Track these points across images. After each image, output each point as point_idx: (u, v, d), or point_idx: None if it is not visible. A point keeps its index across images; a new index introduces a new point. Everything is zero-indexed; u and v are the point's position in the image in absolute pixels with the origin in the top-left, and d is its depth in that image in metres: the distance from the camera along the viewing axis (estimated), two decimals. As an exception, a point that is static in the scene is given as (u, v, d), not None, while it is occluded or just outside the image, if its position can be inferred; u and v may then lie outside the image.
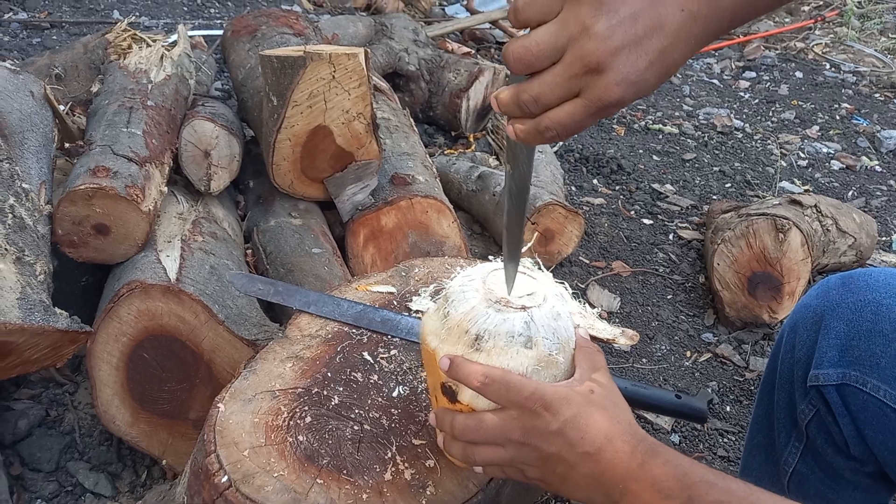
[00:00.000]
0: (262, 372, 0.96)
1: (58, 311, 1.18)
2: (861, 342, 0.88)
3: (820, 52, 4.03)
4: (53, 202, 1.33)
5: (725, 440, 1.55)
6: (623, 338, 1.14)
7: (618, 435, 0.67)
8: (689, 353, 1.79)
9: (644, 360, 1.75)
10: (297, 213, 1.72)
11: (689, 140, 2.93)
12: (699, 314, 1.93)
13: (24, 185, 1.28)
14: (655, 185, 2.52)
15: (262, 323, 1.35)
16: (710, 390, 1.63)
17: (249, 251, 1.65)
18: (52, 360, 1.25)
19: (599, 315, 1.88)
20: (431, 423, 0.81)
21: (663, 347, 1.80)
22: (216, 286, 1.32)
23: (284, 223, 1.68)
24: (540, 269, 1.13)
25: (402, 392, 0.97)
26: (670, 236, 2.26)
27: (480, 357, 0.74)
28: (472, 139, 2.55)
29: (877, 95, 3.61)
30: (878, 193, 2.65)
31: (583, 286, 1.96)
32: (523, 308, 0.76)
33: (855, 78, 3.80)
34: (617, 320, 1.85)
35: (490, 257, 1.84)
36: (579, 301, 1.23)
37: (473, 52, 3.12)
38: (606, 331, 1.14)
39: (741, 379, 1.72)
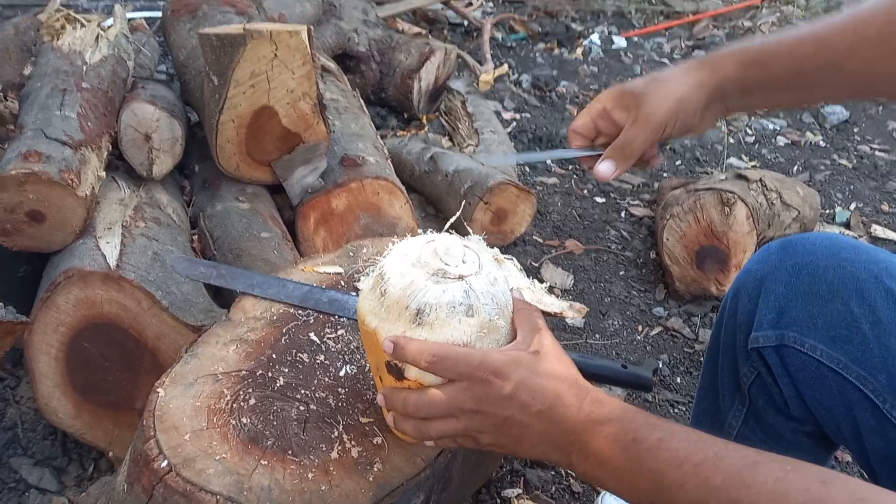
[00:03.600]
0: (205, 356, 0.94)
1: (-10, 302, 1.14)
2: (799, 304, 0.90)
3: (767, 31, 4.11)
4: (-17, 189, 1.28)
5: (676, 410, 1.58)
6: (571, 311, 1.15)
7: (565, 390, 0.69)
8: (640, 328, 1.82)
9: (597, 335, 1.77)
10: (244, 196, 1.68)
11: (640, 119, 2.96)
12: (650, 289, 1.96)
13: (-51, 171, 1.22)
14: (607, 164, 2.54)
15: (208, 308, 1.32)
16: (656, 360, 1.65)
17: (196, 237, 1.61)
18: (-12, 352, 1.20)
19: (549, 290, 1.90)
20: (380, 403, 0.80)
21: (616, 323, 1.82)
22: (159, 272, 1.29)
23: (231, 207, 1.65)
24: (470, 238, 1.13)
25: (349, 371, 0.96)
26: (622, 214, 2.28)
27: (423, 331, 0.73)
28: (424, 120, 2.54)
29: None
30: (821, 168, 2.72)
31: (536, 265, 1.97)
32: (461, 277, 0.75)
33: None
34: (570, 297, 1.87)
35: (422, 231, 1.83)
36: (527, 277, 1.23)
37: (425, 32, 3.09)
38: (554, 304, 1.14)
39: (691, 350, 1.76)
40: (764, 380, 0.95)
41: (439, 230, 2.01)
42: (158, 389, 0.87)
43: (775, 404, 0.96)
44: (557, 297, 1.87)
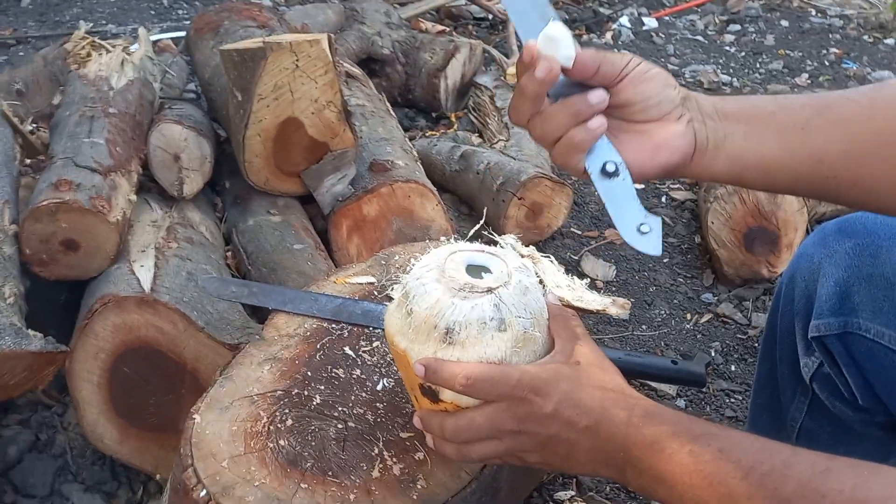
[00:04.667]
0: (239, 377, 0.92)
1: (31, 332, 1.15)
2: (862, 288, 0.84)
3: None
4: (19, 221, 1.29)
5: (732, 400, 1.51)
6: (614, 307, 1.10)
7: (612, 402, 0.65)
8: (689, 316, 1.75)
9: (644, 326, 1.71)
10: (275, 209, 1.67)
11: (675, 99, 2.87)
12: (697, 275, 1.88)
13: (-16, 206, 1.24)
14: (644, 149, 2.47)
15: (245, 325, 1.31)
16: (707, 354, 1.59)
17: (230, 253, 1.61)
18: (33, 382, 1.21)
19: (592, 286, 1.84)
20: (417, 425, 0.77)
21: (663, 312, 1.76)
22: (194, 293, 1.28)
23: (263, 221, 1.64)
24: (502, 245, 1.09)
25: (386, 385, 0.94)
26: (663, 199, 2.21)
27: (455, 351, 0.70)
28: (453, 118, 2.50)
29: (865, 37, 3.53)
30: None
31: (576, 258, 1.91)
32: (489, 290, 0.71)
33: (842, 22, 3.72)
34: (613, 289, 1.81)
35: (445, 238, 1.79)
36: (566, 274, 1.18)
37: (449, 29, 3.06)
38: (596, 301, 1.10)
39: (744, 337, 1.68)
40: (828, 370, 0.89)
41: (472, 229, 1.95)
42: (195, 416, 0.86)
43: (842, 395, 0.89)
44: (600, 290, 1.81)
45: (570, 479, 1.35)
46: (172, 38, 2.76)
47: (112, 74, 1.66)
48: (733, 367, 1.60)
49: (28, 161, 1.56)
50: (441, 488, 0.81)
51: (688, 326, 1.72)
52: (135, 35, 2.79)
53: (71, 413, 1.39)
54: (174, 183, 1.57)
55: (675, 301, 1.79)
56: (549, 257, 1.22)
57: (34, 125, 1.71)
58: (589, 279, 1.83)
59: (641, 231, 0.72)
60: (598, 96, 0.67)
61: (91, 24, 3.05)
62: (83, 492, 1.28)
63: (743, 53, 3.35)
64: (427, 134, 2.40)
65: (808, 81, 3.06)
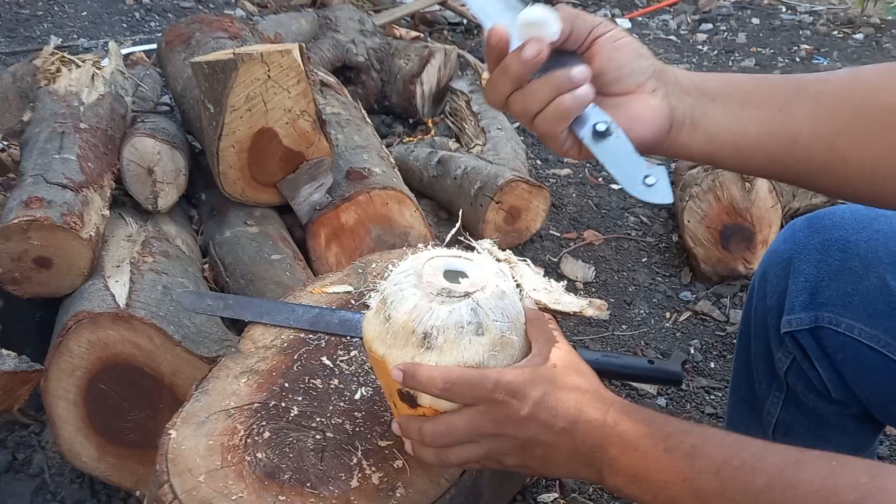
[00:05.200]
0: (215, 391, 0.92)
1: (4, 352, 1.14)
2: (831, 282, 0.85)
3: (771, -4, 4.00)
4: (-10, 240, 1.27)
5: (712, 397, 1.53)
6: (591, 308, 1.11)
7: (587, 403, 0.65)
8: (668, 314, 1.76)
9: (624, 326, 1.72)
10: (252, 220, 1.66)
11: (650, 99, 2.89)
12: (675, 274, 1.90)
13: (-47, 226, 1.22)
14: (620, 149, 2.48)
15: (223, 338, 1.30)
16: (686, 352, 1.60)
17: (207, 266, 1.60)
18: (9, 402, 1.20)
19: (573, 287, 1.85)
20: (395, 431, 0.77)
21: (642, 311, 1.77)
22: (170, 307, 1.27)
23: (240, 233, 1.63)
24: (479, 250, 1.09)
25: (364, 393, 0.94)
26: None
27: (432, 356, 0.70)
28: (430, 124, 2.50)
29: (835, 33, 3.59)
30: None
31: (556, 259, 1.92)
32: (466, 294, 0.72)
33: (812, 18, 3.78)
34: (593, 290, 1.82)
35: (423, 245, 1.79)
36: (544, 276, 1.19)
37: (423, 35, 3.06)
38: (573, 303, 1.10)
39: (723, 333, 1.70)
40: (801, 364, 0.90)
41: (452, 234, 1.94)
42: (170, 431, 0.85)
43: (815, 388, 0.91)
44: (579, 292, 1.82)
45: (553, 481, 1.35)
46: (145, 51, 2.74)
47: (82, 89, 1.65)
48: (712, 364, 1.62)
49: (-1, 179, 1.54)
50: (421, 496, 0.81)
51: (667, 325, 1.73)
52: (107, 49, 2.77)
53: (48, 432, 1.37)
54: (148, 197, 1.56)
55: (655, 300, 1.81)
56: (525, 261, 1.22)
57: (4, 143, 1.68)
58: (568, 281, 1.84)
59: (647, 183, 0.69)
60: (580, 71, 0.65)
61: (62, 39, 3.02)
62: (62, 512, 1.26)
63: (716, 52, 3.39)
64: (404, 140, 2.41)
65: (780, 78, 3.10)
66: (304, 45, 1.53)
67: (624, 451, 0.62)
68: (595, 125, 0.68)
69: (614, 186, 2.28)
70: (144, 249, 1.42)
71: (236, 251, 1.58)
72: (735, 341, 1.66)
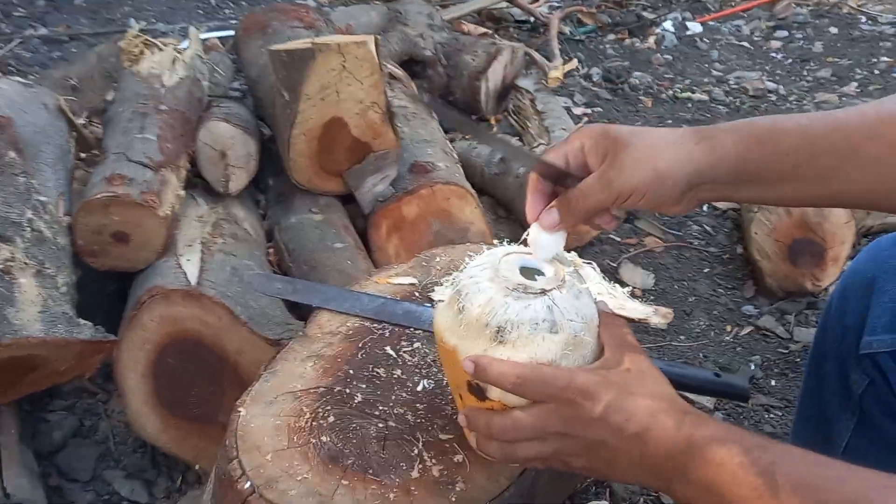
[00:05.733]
0: (283, 373, 0.94)
1: (81, 322, 1.18)
2: None
3: (855, 5, 3.85)
4: (73, 213, 1.33)
5: (771, 416, 1.49)
6: (656, 316, 1.10)
7: (661, 411, 0.64)
8: (729, 328, 1.72)
9: (682, 336, 1.69)
10: (317, 208, 1.69)
11: (719, 107, 2.83)
12: (738, 286, 1.85)
13: (41, 197, 1.28)
14: (686, 156, 2.44)
15: (286, 321, 1.33)
16: (751, 366, 1.56)
17: (272, 250, 1.63)
18: (81, 370, 1.25)
19: (631, 294, 1.82)
20: (461, 423, 0.77)
21: (702, 323, 1.73)
22: (238, 288, 1.31)
23: (305, 219, 1.66)
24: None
25: (426, 386, 0.94)
26: (705, 207, 2.17)
27: (505, 350, 0.70)
28: (493, 121, 2.50)
29: (918, 46, 3.43)
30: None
31: (614, 264, 1.90)
32: (543, 292, 0.72)
33: (894, 29, 3.62)
34: (652, 297, 1.79)
35: (499, 240, 1.78)
36: (608, 281, 1.18)
37: (490, 32, 3.06)
38: (638, 310, 1.09)
39: (786, 351, 1.65)
40: (879, 388, 0.87)
41: (512, 232, 1.96)
42: (240, 409, 0.88)
43: (892, 414, 0.87)
44: (638, 299, 1.80)
45: (604, 488, 1.34)
46: (220, 37, 2.81)
47: (164, 72, 1.70)
48: (773, 382, 1.58)
49: (83, 155, 1.61)
50: (480, 491, 0.81)
51: (727, 338, 1.69)
52: (183, 34, 2.85)
53: (114, 401, 1.43)
54: (220, 179, 1.60)
55: (715, 312, 1.77)
56: (591, 264, 1.21)
57: (88, 120, 1.75)
58: (629, 289, 1.82)
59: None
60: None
61: (142, 23, 3.13)
62: (124, 478, 1.31)
63: (790, 60, 3.29)
64: (466, 136, 2.41)
65: (858, 90, 2.99)
66: (378, 37, 1.54)
67: (698, 461, 0.61)
68: None
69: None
70: (215, 230, 1.46)
71: (301, 237, 1.62)
72: (799, 360, 1.62)
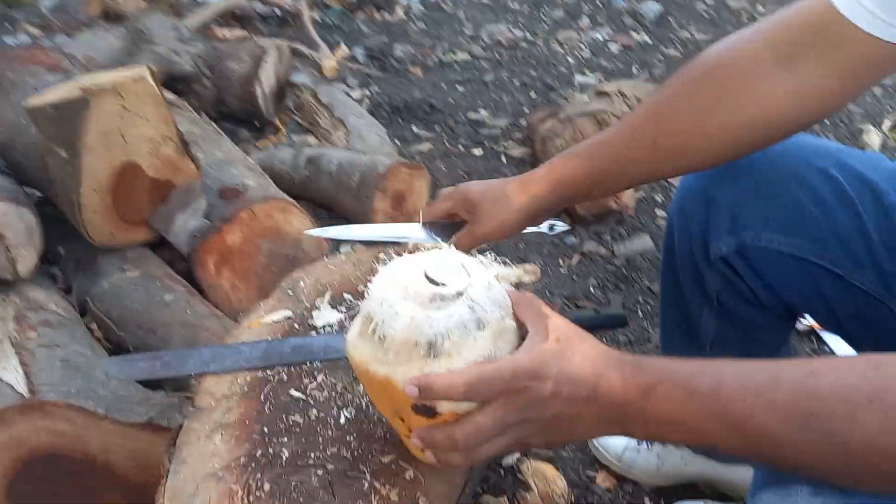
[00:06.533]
0: (192, 457, 0.84)
1: None
2: (748, 206, 0.95)
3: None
4: None
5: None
6: (527, 276, 1.15)
7: (602, 366, 0.67)
8: (561, 261, 1.86)
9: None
10: (128, 264, 1.53)
11: (482, 62, 2.98)
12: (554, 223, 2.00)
13: None
14: (470, 114, 2.55)
15: (145, 398, 1.19)
16: (618, 296, 1.71)
17: (95, 324, 1.44)
18: None
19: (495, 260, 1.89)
20: (415, 446, 0.75)
21: (539, 263, 1.86)
22: (78, 381, 1.14)
23: (120, 280, 1.49)
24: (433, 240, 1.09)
25: (348, 415, 0.91)
26: (503, 159, 2.30)
27: (441, 362, 0.69)
28: (279, 124, 2.41)
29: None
30: (656, 63, 2.88)
31: (444, 234, 1.95)
32: (459, 294, 0.72)
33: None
34: (488, 254, 1.87)
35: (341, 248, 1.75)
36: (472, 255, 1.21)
37: (246, 34, 2.91)
38: (511, 274, 1.13)
39: (613, 267, 1.83)
40: (732, 282, 1.00)
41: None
42: (161, 514, 0.78)
43: (746, 300, 1.01)
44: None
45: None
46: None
47: None
48: (612, 296, 1.74)
49: None
50: (443, 499, 0.81)
51: (563, 271, 1.83)
52: None
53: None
54: (5, 265, 1.37)
55: (545, 251, 1.90)
56: (446, 245, 1.23)
57: None
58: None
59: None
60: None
61: None
62: None
63: (526, 7, 3.55)
64: (257, 145, 2.30)
65: (590, 24, 3.32)
66: (151, 66, 1.40)
67: (650, 403, 0.65)
68: None
69: (476, 152, 2.34)
70: (22, 325, 1.25)
71: (122, 302, 1.45)
72: (626, 272, 1.80)
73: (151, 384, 1.27)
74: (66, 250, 1.59)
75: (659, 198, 2.08)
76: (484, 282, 0.74)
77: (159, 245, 1.61)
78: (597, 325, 1.13)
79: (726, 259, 0.97)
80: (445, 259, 0.77)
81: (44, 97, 1.32)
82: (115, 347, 1.43)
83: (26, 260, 1.40)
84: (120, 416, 1.11)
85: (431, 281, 0.74)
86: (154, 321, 1.40)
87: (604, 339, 1.59)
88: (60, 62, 1.67)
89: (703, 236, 0.99)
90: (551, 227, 1.05)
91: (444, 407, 0.71)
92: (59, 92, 1.31)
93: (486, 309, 0.72)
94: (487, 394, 0.68)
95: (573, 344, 0.70)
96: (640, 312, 1.67)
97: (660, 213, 2.02)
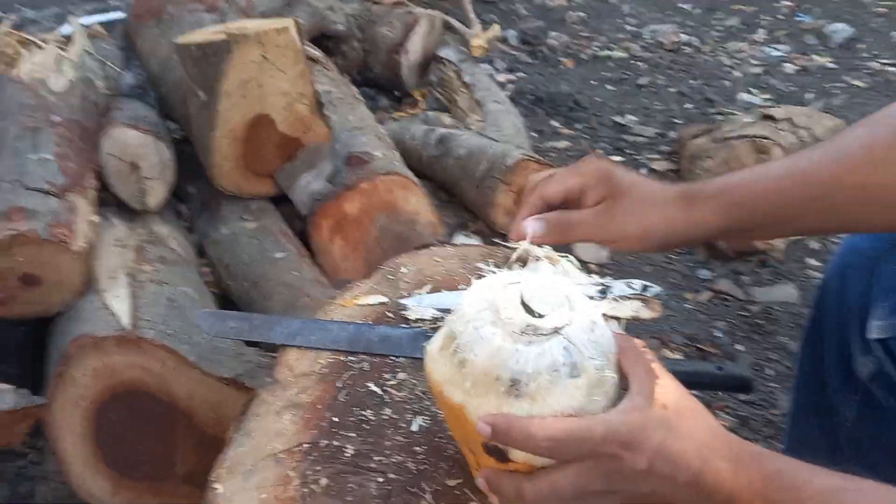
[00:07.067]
0: (258, 432, 0.82)
1: (2, 386, 1.01)
2: None
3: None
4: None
5: (743, 382, 1.49)
6: (646, 310, 1.03)
7: (712, 453, 0.58)
8: (688, 295, 1.71)
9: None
10: (249, 215, 1.55)
11: (639, 63, 2.81)
12: (689, 251, 1.85)
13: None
14: (616, 118, 2.41)
15: (238, 353, 1.19)
16: (746, 356, 1.55)
17: (206, 268, 1.48)
18: (6, 439, 1.08)
19: (584, 270, 1.78)
20: (480, 486, 0.68)
21: (662, 292, 1.71)
22: (179, 322, 1.16)
23: (238, 229, 1.51)
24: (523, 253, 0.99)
25: (422, 424, 0.85)
26: (643, 171, 2.15)
27: (523, 404, 0.61)
28: (419, 97, 2.38)
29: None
30: (835, 91, 2.59)
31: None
32: (556, 331, 0.63)
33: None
34: (609, 272, 1.75)
35: (462, 234, 1.68)
36: (588, 274, 1.11)
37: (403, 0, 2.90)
38: (628, 308, 1.02)
39: (747, 314, 1.66)
40: (886, 370, 0.85)
41: (455, 216, 1.83)
42: (215, 484, 0.75)
43: (898, 393, 0.86)
44: (592, 274, 1.76)
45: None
46: (101, 23, 2.52)
47: (49, 75, 1.48)
48: (739, 347, 1.58)
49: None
50: (503, 543, 0.73)
51: (688, 306, 1.68)
52: (57, 22, 2.54)
53: (50, 460, 1.25)
54: (135, 195, 1.42)
55: (672, 280, 1.76)
56: (567, 256, 1.14)
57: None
58: (581, 263, 1.77)
59: None
60: None
61: (6, 14, 2.77)
62: (72, 548, 1.16)
63: (698, 10, 3.31)
64: (394, 116, 2.28)
65: (766, 37, 3.04)
66: (298, 19, 1.39)
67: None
68: None
69: (617, 158, 2.20)
70: (140, 256, 1.29)
71: (235, 250, 1.47)
72: (760, 321, 1.63)
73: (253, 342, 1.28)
74: (195, 190, 1.64)
75: (815, 245, 1.86)
76: (587, 320, 0.65)
77: (280, 201, 1.62)
78: (717, 385, 1.01)
79: (885, 343, 0.82)
80: (548, 286, 0.68)
81: (192, 36, 1.34)
82: (222, 294, 1.45)
83: (157, 193, 1.44)
84: (210, 367, 1.12)
85: (528, 309, 0.66)
86: (259, 275, 1.41)
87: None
88: (218, 2, 1.70)
89: (862, 309, 0.85)
90: (645, 288, 0.87)
91: (518, 455, 0.63)
92: (207, 34, 1.33)
93: (584, 353, 0.63)
94: (571, 454, 0.60)
95: (682, 417, 0.60)
96: (768, 371, 1.50)
97: (811, 262, 1.81)
